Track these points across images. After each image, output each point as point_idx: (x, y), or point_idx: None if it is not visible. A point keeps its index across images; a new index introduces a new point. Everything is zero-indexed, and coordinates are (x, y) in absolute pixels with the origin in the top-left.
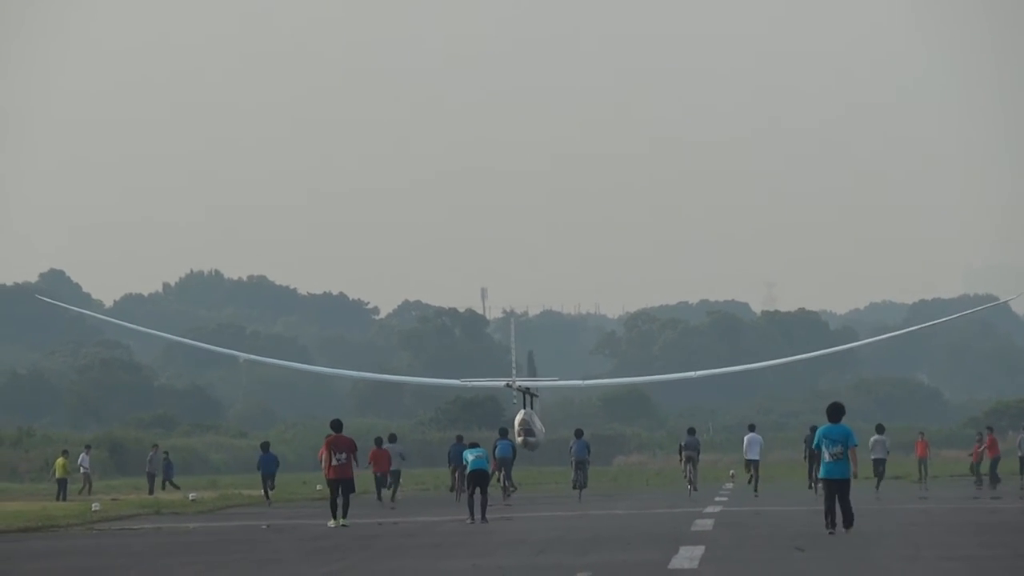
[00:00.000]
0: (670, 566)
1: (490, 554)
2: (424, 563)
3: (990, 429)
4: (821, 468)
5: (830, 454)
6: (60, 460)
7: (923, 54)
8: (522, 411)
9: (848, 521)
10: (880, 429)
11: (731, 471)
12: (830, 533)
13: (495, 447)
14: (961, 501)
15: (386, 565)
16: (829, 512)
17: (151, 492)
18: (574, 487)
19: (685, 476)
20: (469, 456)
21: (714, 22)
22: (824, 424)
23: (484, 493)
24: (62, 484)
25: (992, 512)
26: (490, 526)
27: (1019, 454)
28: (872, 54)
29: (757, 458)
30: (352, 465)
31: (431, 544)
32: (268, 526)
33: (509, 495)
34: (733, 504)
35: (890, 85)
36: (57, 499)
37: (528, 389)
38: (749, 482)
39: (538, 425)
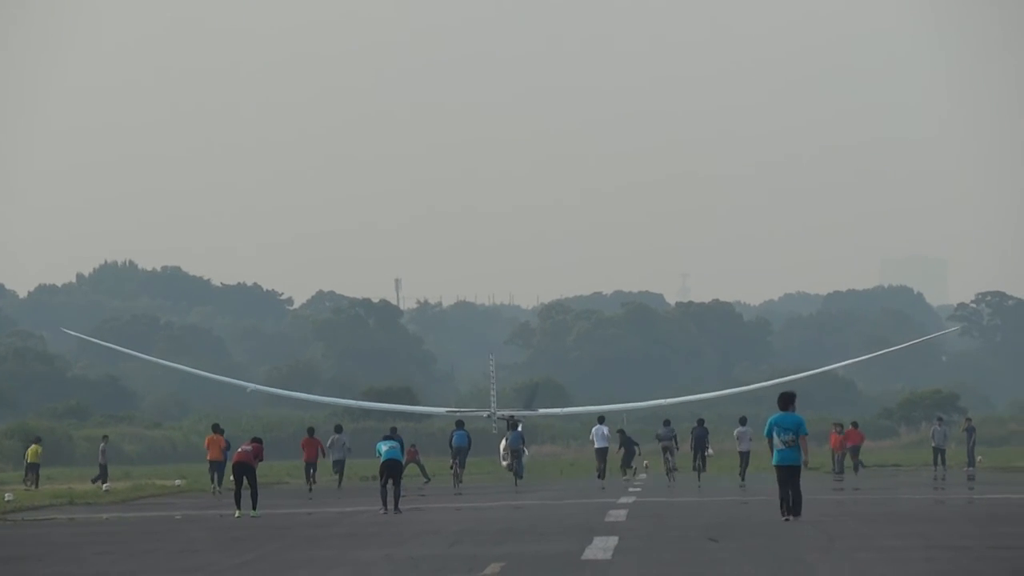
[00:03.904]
0: (584, 557)
1: (403, 544)
2: (337, 553)
3: (855, 424)
4: (774, 455)
5: (782, 441)
6: (33, 447)
7: (853, 40)
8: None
9: (798, 508)
10: (743, 421)
11: (645, 462)
12: (786, 520)
13: (451, 437)
14: (875, 492)
15: (300, 555)
16: (784, 499)
17: (104, 481)
18: (509, 468)
19: (664, 466)
20: (383, 447)
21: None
22: (776, 413)
23: (397, 484)
24: (33, 469)
25: (905, 502)
26: (404, 516)
27: (932, 444)
28: (801, 42)
29: (605, 445)
30: (253, 456)
31: (345, 534)
32: (182, 516)
33: (460, 482)
34: (647, 495)
35: (808, 71)
36: (36, 485)
37: (511, 416)
38: (600, 476)
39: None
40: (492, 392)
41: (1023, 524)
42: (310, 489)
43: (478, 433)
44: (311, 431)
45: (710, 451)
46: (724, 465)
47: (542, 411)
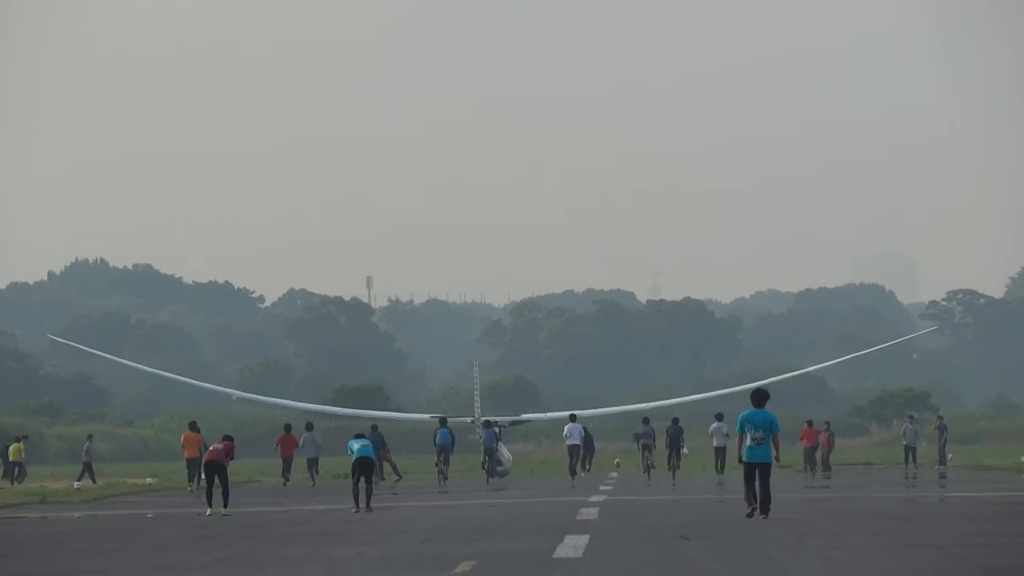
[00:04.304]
0: (555, 555)
1: (375, 542)
2: (309, 551)
3: (813, 423)
4: (744, 451)
5: (752, 438)
6: (15, 445)
7: (813, 51)
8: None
9: (766, 505)
10: (719, 417)
11: (616, 460)
12: (748, 515)
13: (435, 434)
14: (846, 490)
15: (271, 553)
16: (750, 494)
17: (93, 480)
18: (483, 467)
19: (643, 463)
20: (355, 445)
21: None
22: (748, 409)
23: (369, 482)
24: (19, 467)
25: (876, 501)
26: (375, 515)
27: (903, 442)
28: (767, 52)
29: (578, 442)
30: (225, 454)
31: (316, 532)
32: (153, 515)
33: (446, 479)
34: (618, 493)
35: (777, 75)
36: (11, 483)
37: (496, 423)
38: (574, 475)
39: (506, 455)
40: (476, 398)
41: (994, 522)
42: (285, 483)
43: (461, 432)
44: (288, 428)
45: (685, 450)
46: (698, 463)
47: (525, 416)
